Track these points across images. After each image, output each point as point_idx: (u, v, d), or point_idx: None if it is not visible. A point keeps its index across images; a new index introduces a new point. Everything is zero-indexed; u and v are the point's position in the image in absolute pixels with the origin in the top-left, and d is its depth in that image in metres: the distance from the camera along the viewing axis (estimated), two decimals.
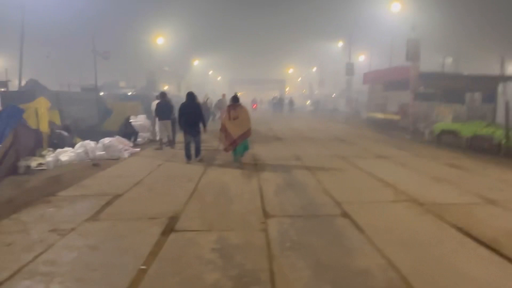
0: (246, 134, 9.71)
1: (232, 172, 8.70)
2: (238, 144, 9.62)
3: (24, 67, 21.86)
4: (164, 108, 12.30)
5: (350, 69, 34.50)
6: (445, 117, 18.87)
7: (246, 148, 10.00)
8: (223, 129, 9.70)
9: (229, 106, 9.98)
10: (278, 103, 38.26)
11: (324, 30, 52.21)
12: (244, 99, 46.09)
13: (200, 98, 15.85)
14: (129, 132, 13.65)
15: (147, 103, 20.64)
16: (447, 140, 14.03)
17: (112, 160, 10.32)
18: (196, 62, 53.34)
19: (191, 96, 10.00)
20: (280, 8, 73.39)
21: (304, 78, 71.46)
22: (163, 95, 12.60)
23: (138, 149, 12.35)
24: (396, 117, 22.12)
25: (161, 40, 32.50)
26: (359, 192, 6.78)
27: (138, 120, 14.62)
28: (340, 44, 40.01)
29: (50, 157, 10.40)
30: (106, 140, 10.72)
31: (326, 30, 51.56)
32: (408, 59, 21.48)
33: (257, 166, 9.33)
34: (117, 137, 12.14)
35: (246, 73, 68.30)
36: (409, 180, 7.78)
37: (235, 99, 10.01)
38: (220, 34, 60.69)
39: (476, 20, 35.42)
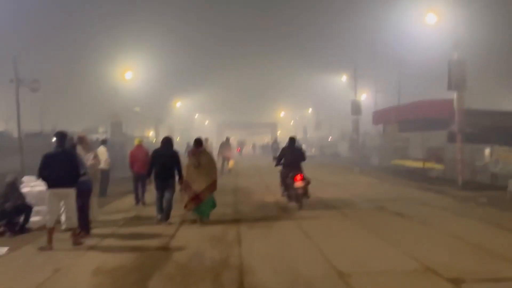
0: (211, 187, 7.80)
1: None
2: (202, 201, 7.59)
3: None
4: (57, 164, 6.10)
5: (356, 107, 28.90)
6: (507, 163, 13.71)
7: (212, 205, 7.89)
8: (184, 181, 7.71)
9: (189, 152, 8.51)
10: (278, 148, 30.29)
11: (321, 65, 47.46)
12: (234, 144, 40.15)
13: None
14: (12, 208, 7.32)
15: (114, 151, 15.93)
16: None
17: None
18: (178, 104, 47.48)
19: (167, 142, 8.15)
20: (270, 45, 68.56)
21: (298, 121, 66.15)
22: (60, 137, 6.43)
23: (6, 248, 6.03)
24: (438, 166, 16.18)
25: (130, 74, 26.70)
26: None
27: (36, 184, 8.28)
28: (343, 78, 34.74)
29: None
30: None
31: (323, 65, 46.78)
32: (452, 88, 15.84)
33: None
34: None
35: (235, 116, 63.02)
36: None
37: (197, 142, 8.18)
38: (205, 74, 55.72)
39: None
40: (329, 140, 48.56)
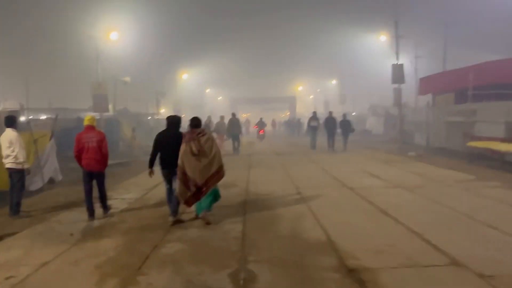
0: (217, 176, 6.32)
1: None
2: (205, 194, 6.25)
3: None
4: None
5: (398, 73, 22.97)
6: None
7: (216, 197, 6.52)
8: (181, 171, 6.16)
9: (186, 135, 6.34)
10: (320, 124, 21.03)
11: (346, 27, 41.23)
12: (251, 121, 34.57)
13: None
14: None
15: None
16: None
17: None
18: (185, 76, 42.11)
19: (174, 121, 6.67)
20: (287, 11, 61.24)
21: (318, 95, 60.35)
22: None
23: None
24: None
25: (116, 35, 21.45)
26: None
27: None
28: (382, 38, 28.97)
29: None
30: None
31: (349, 27, 40.61)
32: None
33: None
34: None
35: (250, 91, 57.65)
36: None
37: (194, 123, 6.48)
38: (216, 43, 50.00)
39: None
40: (352, 114, 43.01)
